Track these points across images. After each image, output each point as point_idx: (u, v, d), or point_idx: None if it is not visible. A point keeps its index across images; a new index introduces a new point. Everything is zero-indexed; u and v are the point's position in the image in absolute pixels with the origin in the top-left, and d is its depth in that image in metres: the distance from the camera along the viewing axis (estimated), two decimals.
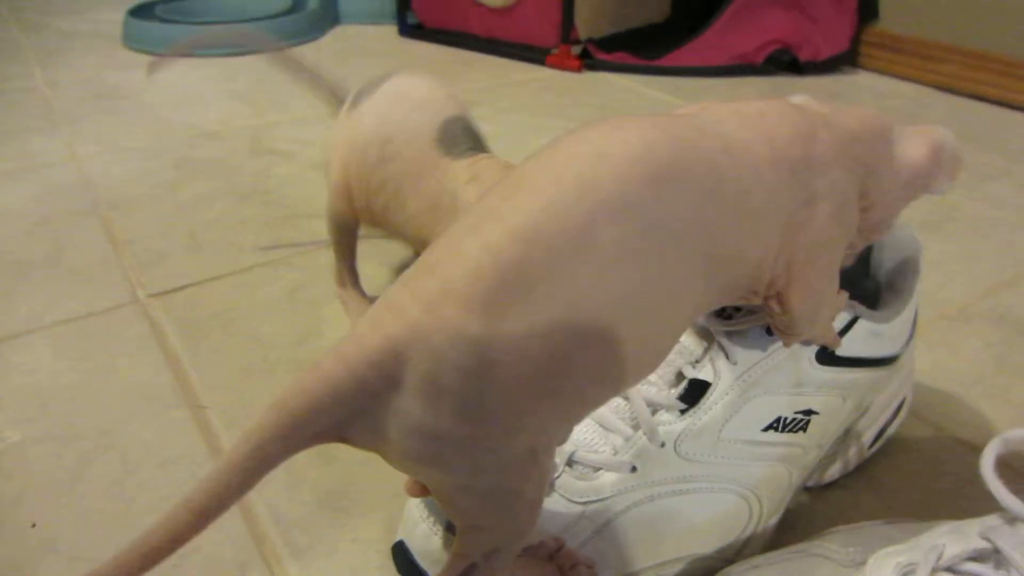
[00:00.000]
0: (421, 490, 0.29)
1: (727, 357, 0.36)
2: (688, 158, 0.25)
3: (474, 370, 0.22)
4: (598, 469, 0.35)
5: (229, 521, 0.41)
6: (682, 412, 0.36)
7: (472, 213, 0.24)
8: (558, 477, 0.35)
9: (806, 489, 0.43)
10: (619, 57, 1.20)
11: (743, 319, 0.36)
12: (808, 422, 0.38)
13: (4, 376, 0.52)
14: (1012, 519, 0.30)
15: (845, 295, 0.36)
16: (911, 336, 0.43)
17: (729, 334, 0.36)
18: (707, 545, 0.36)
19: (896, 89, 1.12)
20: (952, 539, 0.30)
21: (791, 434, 0.37)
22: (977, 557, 0.29)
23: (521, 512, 0.26)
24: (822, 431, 0.39)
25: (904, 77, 1.16)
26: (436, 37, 1.34)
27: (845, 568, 0.31)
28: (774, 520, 0.39)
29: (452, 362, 0.22)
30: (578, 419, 0.26)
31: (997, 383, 0.52)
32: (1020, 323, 0.59)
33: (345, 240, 0.57)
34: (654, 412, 0.36)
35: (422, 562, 0.34)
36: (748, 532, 0.37)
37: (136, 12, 1.31)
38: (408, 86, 0.51)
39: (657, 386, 0.37)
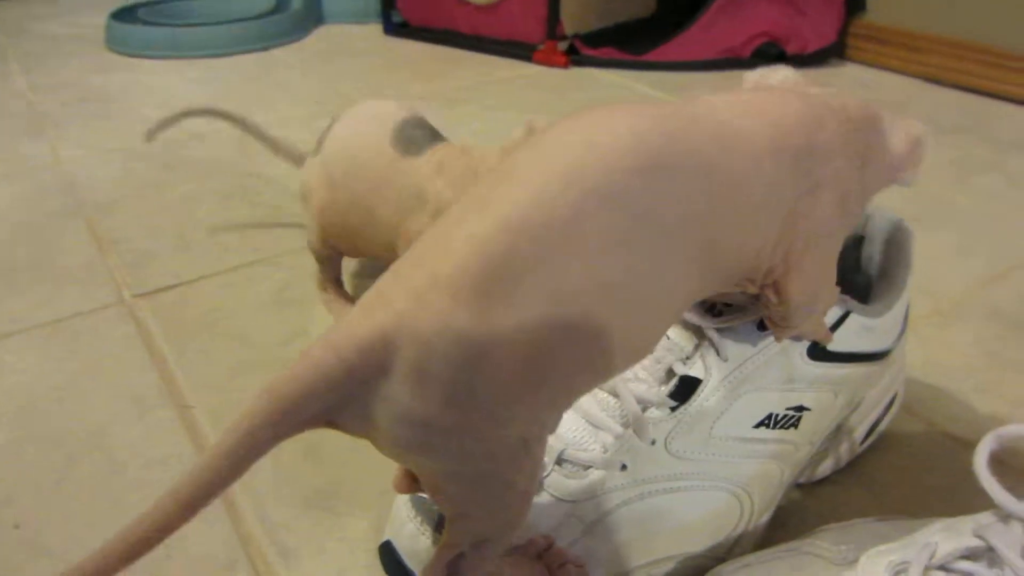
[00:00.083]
0: (409, 485, 0.28)
1: (718, 353, 0.36)
2: (679, 148, 0.25)
3: (462, 359, 0.22)
4: (588, 467, 0.35)
5: (215, 521, 0.41)
6: (672, 409, 0.35)
7: (461, 204, 0.24)
8: (547, 476, 0.35)
9: (797, 486, 0.43)
10: (606, 52, 1.20)
11: (733, 316, 0.36)
12: (800, 418, 0.38)
13: None
14: (1006, 516, 0.29)
15: (837, 289, 0.36)
16: (903, 330, 0.43)
17: (720, 330, 0.36)
18: (698, 544, 0.36)
19: (883, 81, 1.12)
20: (945, 537, 0.30)
21: (782, 431, 0.37)
22: (970, 555, 0.29)
23: (512, 503, 0.26)
24: (814, 427, 0.39)
25: (892, 69, 1.16)
26: (421, 35, 1.33)
27: (837, 566, 0.31)
28: (765, 518, 0.38)
29: (440, 351, 0.22)
30: (567, 407, 0.26)
31: (989, 378, 0.52)
32: (1012, 317, 0.59)
33: (328, 266, 0.58)
34: (644, 409, 0.35)
35: (409, 562, 0.33)
36: (739, 530, 0.37)
37: (118, 15, 1.30)
38: (362, 109, 0.53)
39: (647, 383, 0.36)
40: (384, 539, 0.35)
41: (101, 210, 0.75)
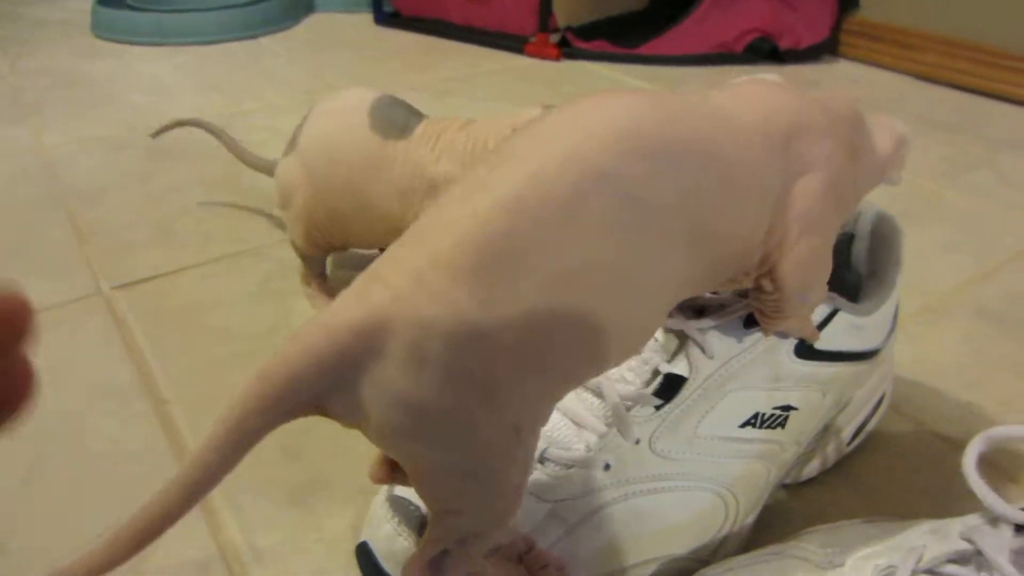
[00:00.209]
0: (386, 474, 0.28)
1: (703, 351, 0.35)
2: (677, 132, 0.25)
3: (460, 340, 0.22)
4: (570, 467, 0.34)
5: (190, 521, 0.40)
6: (657, 408, 0.35)
7: (460, 184, 0.24)
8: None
9: (784, 486, 0.42)
10: (598, 45, 1.19)
11: (716, 315, 0.35)
12: (786, 418, 0.37)
13: None
14: (994, 519, 0.29)
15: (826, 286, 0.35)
16: (892, 329, 0.43)
17: (703, 330, 0.35)
18: (682, 545, 0.35)
19: (876, 78, 1.12)
20: (932, 540, 0.29)
21: (769, 430, 0.36)
22: (958, 559, 0.28)
23: (503, 496, 0.25)
24: (801, 427, 0.38)
25: (884, 66, 1.15)
26: (412, 25, 1.32)
27: (822, 570, 0.30)
28: (751, 519, 0.38)
29: (438, 332, 0.22)
30: (560, 397, 0.25)
31: (977, 376, 0.52)
32: (1000, 315, 0.58)
33: (313, 263, 0.57)
34: (629, 409, 0.35)
35: (385, 564, 0.32)
36: (724, 532, 0.36)
37: (105, 0, 1.28)
38: (330, 101, 0.52)
39: (633, 384, 0.35)
40: (360, 540, 0.34)
41: (82, 198, 0.73)
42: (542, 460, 0.34)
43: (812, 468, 0.42)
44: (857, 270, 0.44)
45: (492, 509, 0.25)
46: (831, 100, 0.32)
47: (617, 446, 0.34)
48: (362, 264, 0.64)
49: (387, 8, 1.35)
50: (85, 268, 0.62)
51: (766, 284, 0.30)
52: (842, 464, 0.44)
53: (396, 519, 0.33)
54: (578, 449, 0.34)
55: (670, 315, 0.36)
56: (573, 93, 1.05)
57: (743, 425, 0.36)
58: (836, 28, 1.19)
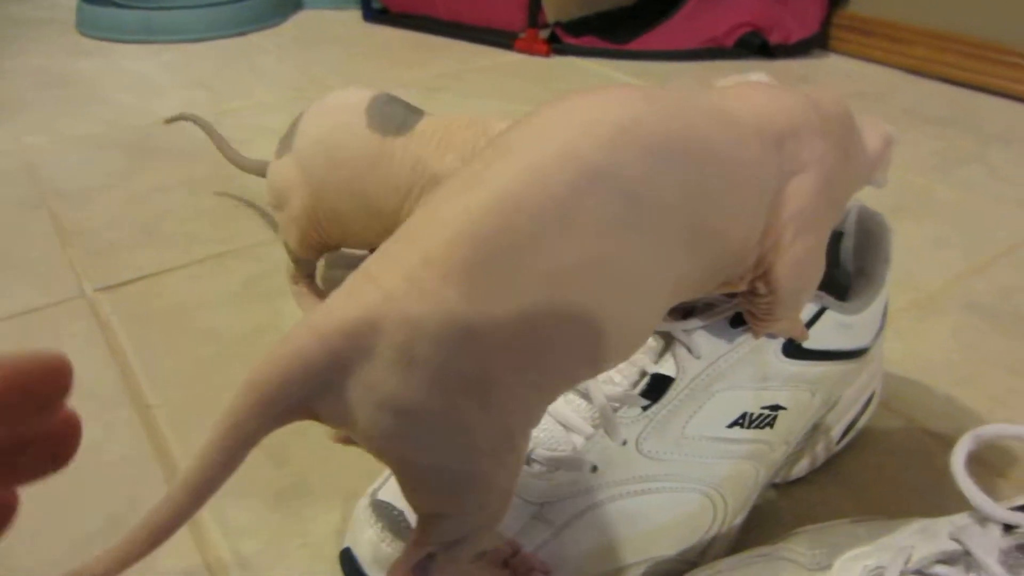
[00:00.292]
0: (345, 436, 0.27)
1: (690, 351, 0.35)
2: (675, 129, 0.24)
3: (451, 341, 0.21)
4: (557, 468, 0.34)
5: None
6: (644, 408, 0.34)
7: (454, 180, 0.24)
8: None
9: (773, 486, 0.42)
10: (588, 41, 1.18)
11: (703, 315, 0.35)
12: (775, 418, 0.37)
13: None
14: (983, 519, 0.29)
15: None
16: (881, 327, 0.42)
17: (689, 331, 0.35)
18: (670, 547, 0.34)
19: (866, 72, 1.11)
20: (921, 540, 0.29)
21: (757, 430, 0.36)
22: (947, 559, 0.28)
23: (491, 501, 0.25)
24: (790, 427, 0.38)
25: (874, 60, 1.15)
26: (401, 22, 1.31)
27: (811, 571, 0.30)
28: (739, 519, 0.37)
29: (428, 332, 0.21)
30: (554, 398, 0.25)
31: (968, 372, 0.51)
32: (990, 310, 0.58)
33: (304, 264, 0.57)
34: (616, 410, 0.34)
35: (369, 570, 0.32)
36: (712, 533, 0.36)
37: None
38: (325, 101, 0.51)
39: (620, 385, 0.35)
40: (344, 546, 0.34)
41: (64, 199, 0.73)
42: (528, 461, 0.34)
43: (801, 467, 0.42)
44: (846, 268, 0.44)
45: (481, 513, 0.25)
46: (821, 98, 0.31)
47: (604, 447, 0.34)
48: (354, 263, 0.63)
49: (375, 5, 1.34)
50: (68, 270, 0.61)
51: (760, 287, 0.30)
52: (832, 463, 0.43)
53: (379, 524, 0.32)
54: (565, 450, 0.34)
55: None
56: (563, 89, 1.04)
57: (731, 425, 0.35)
58: (826, 22, 1.19)
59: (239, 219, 0.69)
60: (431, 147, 0.48)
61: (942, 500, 0.42)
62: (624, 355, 0.25)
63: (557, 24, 1.21)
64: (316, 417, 0.23)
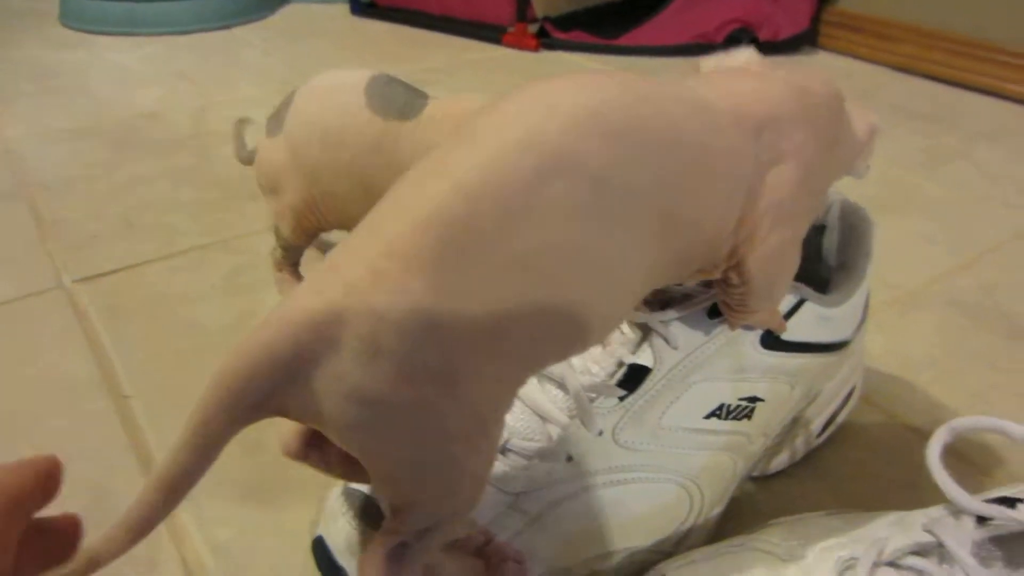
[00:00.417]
0: (299, 449, 0.27)
1: (667, 342, 0.34)
2: (645, 113, 0.24)
3: (415, 330, 0.21)
4: (532, 458, 0.33)
5: None
6: (621, 399, 0.34)
7: (418, 168, 0.23)
8: None
9: (752, 479, 0.42)
10: (577, 36, 1.18)
11: (680, 307, 0.34)
12: (753, 409, 0.36)
13: None
14: (957, 511, 0.28)
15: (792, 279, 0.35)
16: (862, 321, 0.42)
17: (667, 322, 0.34)
18: (645, 537, 0.34)
19: (855, 69, 1.12)
20: (895, 531, 0.29)
21: (735, 422, 0.36)
22: (920, 551, 0.28)
23: (465, 488, 0.24)
24: (768, 419, 0.37)
25: (863, 57, 1.15)
26: (390, 15, 1.30)
27: (784, 562, 0.30)
28: (717, 511, 0.37)
29: (390, 323, 0.21)
30: (524, 381, 0.24)
31: (950, 368, 0.51)
32: (973, 308, 0.58)
33: (292, 252, 0.55)
34: (592, 400, 0.34)
35: (340, 558, 0.32)
36: (689, 524, 0.35)
37: None
38: (317, 82, 0.49)
39: (598, 376, 0.35)
40: (316, 534, 0.33)
41: (44, 190, 0.72)
42: (504, 451, 0.34)
43: (781, 461, 0.42)
44: (828, 262, 0.44)
45: (454, 501, 0.24)
46: (809, 84, 0.31)
47: (580, 438, 0.33)
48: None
49: None
50: (46, 261, 0.61)
51: (733, 277, 0.30)
52: (811, 457, 0.43)
53: (351, 512, 0.32)
54: (540, 440, 0.34)
55: (635, 308, 0.36)
56: None
57: (708, 416, 0.35)
58: (816, 19, 1.19)
59: (221, 211, 0.69)
60: (445, 133, 0.45)
61: (921, 495, 0.41)
62: (594, 340, 0.25)
63: (546, 19, 1.21)
64: (285, 413, 0.22)
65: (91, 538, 0.21)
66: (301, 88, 0.50)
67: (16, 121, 0.87)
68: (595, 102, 0.23)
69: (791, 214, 0.29)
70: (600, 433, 0.34)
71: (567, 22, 1.23)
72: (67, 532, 0.23)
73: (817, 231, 0.44)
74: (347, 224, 0.52)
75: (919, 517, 0.29)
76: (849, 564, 0.28)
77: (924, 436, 0.45)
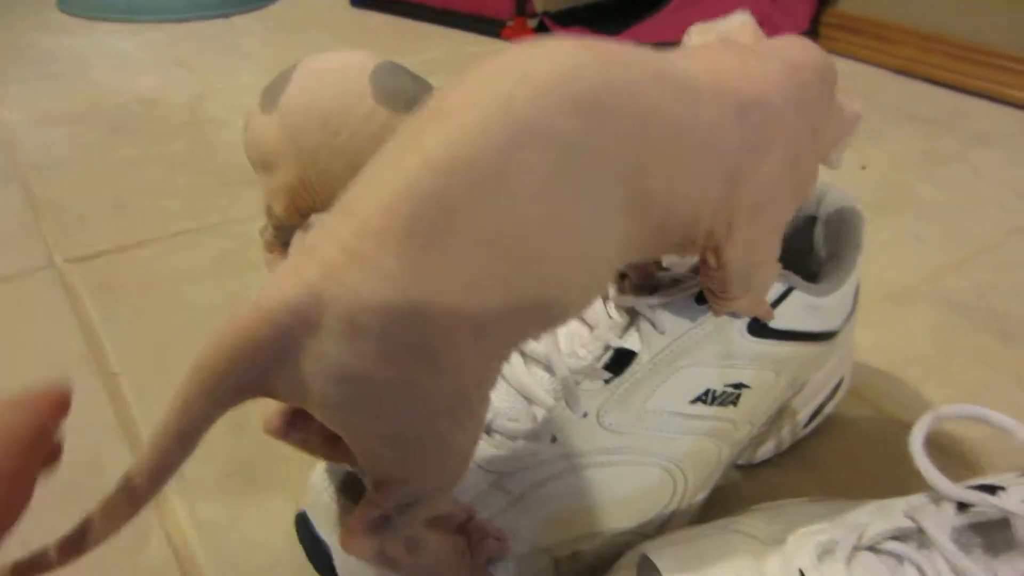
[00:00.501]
0: (280, 427, 0.27)
1: (654, 326, 0.34)
2: (618, 82, 0.23)
3: (392, 308, 0.21)
4: (516, 439, 0.33)
5: None
6: (606, 382, 0.34)
7: (390, 146, 0.23)
8: None
9: (738, 467, 0.42)
10: (576, 31, 1.18)
11: (668, 292, 0.34)
12: (739, 396, 0.36)
13: None
14: (938, 498, 0.29)
15: (779, 265, 0.35)
16: (851, 312, 0.42)
17: (654, 307, 0.34)
18: (627, 520, 0.34)
19: (853, 71, 1.12)
20: (876, 517, 0.29)
21: (721, 407, 0.36)
22: (900, 536, 0.28)
23: (449, 463, 0.24)
24: (754, 406, 0.37)
25: (862, 59, 1.15)
26: (389, 7, 1.30)
27: (765, 546, 0.30)
28: (701, 497, 0.37)
29: (370, 301, 0.21)
30: (507, 356, 0.24)
31: (941, 365, 0.51)
32: (964, 306, 0.58)
33: (284, 232, 0.54)
34: (578, 383, 0.34)
35: (323, 533, 0.32)
36: (672, 507, 0.35)
37: None
38: (319, 61, 0.48)
39: (585, 360, 0.35)
40: (300, 510, 0.33)
41: (39, 173, 0.72)
42: (488, 431, 0.34)
43: (767, 450, 0.42)
44: (818, 254, 0.44)
45: (439, 476, 0.25)
46: (804, 60, 0.30)
47: (565, 419, 0.33)
48: None
49: None
50: (39, 241, 0.61)
51: (711, 259, 0.29)
52: (797, 447, 0.43)
53: (333, 488, 0.32)
54: (525, 421, 0.34)
55: (622, 292, 0.36)
56: None
57: (694, 401, 0.35)
58: (815, 20, 1.19)
59: (214, 196, 0.69)
60: None
61: (906, 486, 0.41)
62: (573, 313, 0.25)
63: (545, 14, 1.21)
64: (271, 394, 0.22)
65: (74, 522, 0.21)
66: (300, 66, 0.49)
67: (13, 105, 0.87)
68: (567, 67, 0.23)
69: (773, 199, 0.28)
70: (585, 415, 0.34)
71: (566, 17, 1.23)
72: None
73: (808, 223, 0.44)
74: (328, 200, 0.51)
75: (900, 504, 0.30)
76: (828, 548, 0.28)
77: (910, 429, 0.45)
